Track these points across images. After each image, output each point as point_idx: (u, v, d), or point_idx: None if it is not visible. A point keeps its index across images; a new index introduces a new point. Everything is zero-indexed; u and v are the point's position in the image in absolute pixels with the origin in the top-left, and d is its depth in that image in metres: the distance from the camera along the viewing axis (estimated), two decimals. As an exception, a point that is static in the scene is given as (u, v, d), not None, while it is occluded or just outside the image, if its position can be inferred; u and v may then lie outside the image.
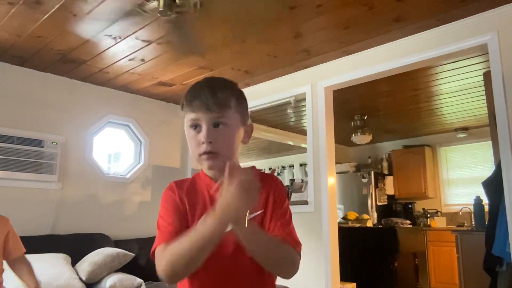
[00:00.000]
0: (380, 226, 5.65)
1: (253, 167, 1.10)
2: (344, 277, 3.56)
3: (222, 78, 1.12)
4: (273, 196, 1.10)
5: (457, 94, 4.30)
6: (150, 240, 4.56)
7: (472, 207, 4.73)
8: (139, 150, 4.43)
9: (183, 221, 1.05)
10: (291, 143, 6.37)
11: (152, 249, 1.02)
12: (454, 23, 2.81)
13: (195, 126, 1.05)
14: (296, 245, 1.08)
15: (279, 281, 3.78)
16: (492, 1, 2.59)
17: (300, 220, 3.53)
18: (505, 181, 2.50)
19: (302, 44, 3.19)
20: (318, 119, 3.57)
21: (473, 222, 4.82)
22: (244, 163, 6.80)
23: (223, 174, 0.95)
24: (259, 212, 1.06)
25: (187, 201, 1.08)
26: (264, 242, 0.98)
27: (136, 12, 2.59)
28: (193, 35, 2.70)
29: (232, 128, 1.06)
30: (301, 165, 7.81)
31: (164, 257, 0.95)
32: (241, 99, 1.11)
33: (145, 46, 3.17)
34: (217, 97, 1.04)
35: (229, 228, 0.90)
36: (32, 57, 3.42)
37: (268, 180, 1.12)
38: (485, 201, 3.34)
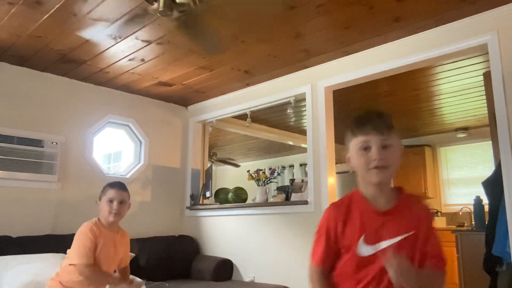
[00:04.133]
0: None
1: (401, 189, 1.32)
2: (344, 277, 3.56)
3: (378, 110, 1.34)
4: (425, 220, 1.29)
5: (457, 94, 4.30)
6: (150, 240, 4.55)
7: (472, 207, 4.73)
8: (139, 150, 4.43)
9: (331, 243, 1.30)
10: (291, 143, 6.37)
11: (310, 261, 1.35)
12: (454, 23, 2.81)
13: (365, 147, 1.26)
14: (445, 265, 1.29)
15: (279, 280, 3.79)
16: (492, 1, 2.58)
17: (300, 220, 3.53)
18: (505, 181, 2.50)
19: (302, 44, 3.19)
20: (318, 119, 3.57)
21: (473, 222, 4.82)
22: (242, 163, 6.66)
23: (380, 191, 1.27)
24: (410, 233, 1.25)
25: (342, 222, 1.30)
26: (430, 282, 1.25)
27: (141, 15, 2.59)
28: (207, 32, 2.68)
29: (396, 148, 1.27)
30: (301, 165, 7.81)
31: (310, 279, 1.35)
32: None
33: (145, 46, 3.17)
34: (385, 122, 1.27)
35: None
36: (32, 57, 3.42)
37: (416, 201, 1.34)
38: (485, 201, 3.34)
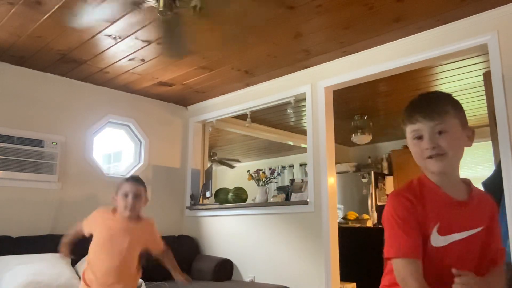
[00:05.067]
0: (380, 226, 5.64)
1: (470, 181, 1.24)
2: (344, 277, 3.56)
3: (436, 91, 1.25)
4: (493, 215, 1.23)
5: (457, 94, 4.29)
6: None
7: (472, 207, 4.74)
8: (139, 150, 4.43)
9: (419, 231, 1.13)
10: (291, 143, 6.37)
11: (392, 254, 1.13)
12: (454, 23, 2.81)
13: (418, 136, 1.16)
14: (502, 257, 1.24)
15: (279, 280, 3.78)
16: (492, 1, 2.59)
17: (300, 220, 3.54)
18: (505, 181, 2.50)
19: (302, 44, 3.19)
20: (318, 119, 3.57)
21: (473, 222, 4.83)
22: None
23: (447, 180, 1.16)
24: (480, 229, 1.16)
25: (421, 207, 1.15)
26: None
27: (134, 8, 2.58)
28: (182, 36, 2.69)
29: (453, 133, 1.16)
30: (301, 165, 7.81)
31: (403, 278, 1.10)
32: (457, 106, 1.20)
33: (145, 46, 3.17)
34: (434, 106, 1.16)
35: None
36: (32, 57, 3.42)
37: (486, 197, 1.27)
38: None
